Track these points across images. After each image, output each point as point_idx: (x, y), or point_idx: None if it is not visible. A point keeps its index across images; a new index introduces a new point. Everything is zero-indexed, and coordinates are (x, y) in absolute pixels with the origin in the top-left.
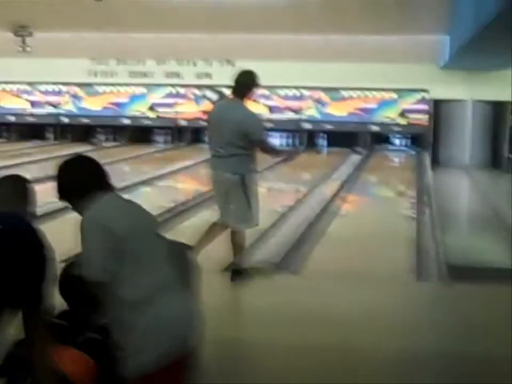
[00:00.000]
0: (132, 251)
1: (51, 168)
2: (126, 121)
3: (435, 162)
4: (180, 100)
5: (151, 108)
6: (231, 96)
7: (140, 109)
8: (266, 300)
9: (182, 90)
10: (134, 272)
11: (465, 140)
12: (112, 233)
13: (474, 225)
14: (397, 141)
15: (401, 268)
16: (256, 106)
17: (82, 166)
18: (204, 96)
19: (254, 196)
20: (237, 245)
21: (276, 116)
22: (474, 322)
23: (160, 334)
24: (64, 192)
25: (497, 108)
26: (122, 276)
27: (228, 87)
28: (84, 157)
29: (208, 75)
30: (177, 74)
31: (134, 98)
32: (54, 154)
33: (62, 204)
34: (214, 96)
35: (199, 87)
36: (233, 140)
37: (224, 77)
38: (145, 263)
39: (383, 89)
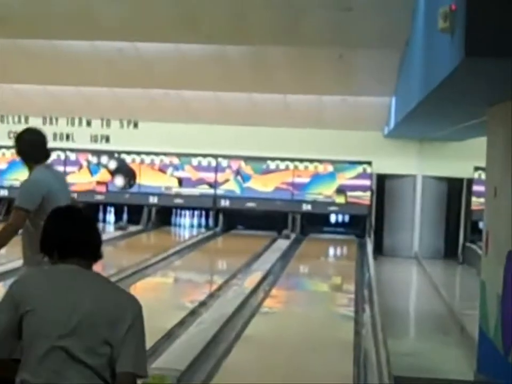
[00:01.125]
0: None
1: None
2: (2, 192)
3: (378, 249)
4: (70, 168)
5: None
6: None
7: (19, 178)
8: None
9: (72, 156)
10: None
11: (414, 223)
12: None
13: (424, 327)
14: (332, 223)
15: (335, 380)
16: (163, 178)
17: None
18: (100, 164)
19: None
20: None
21: (186, 190)
22: None
23: None
24: None
25: (452, 185)
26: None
27: (129, 153)
28: None
29: (105, 138)
30: (67, 136)
31: (13, 164)
32: None
33: None
34: (113, 164)
35: (93, 152)
36: None
37: (125, 140)
38: None
39: (318, 160)
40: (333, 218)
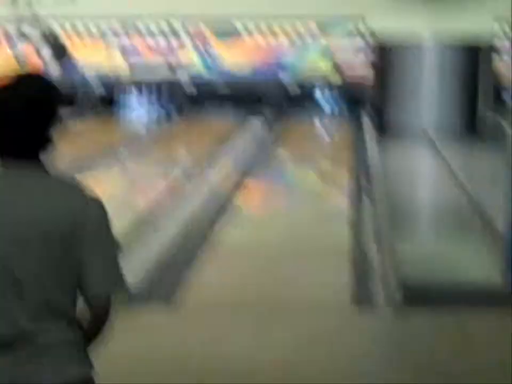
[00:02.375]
0: None
1: None
2: None
3: (381, 130)
4: None
5: None
6: None
7: None
8: (127, 343)
9: None
10: None
11: (424, 95)
12: None
13: (440, 224)
14: (320, 99)
15: (331, 292)
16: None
17: None
18: (23, 35)
19: None
20: None
21: (134, 62)
22: (445, 370)
23: None
24: None
25: (469, 46)
26: None
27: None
28: None
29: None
30: None
31: None
32: None
33: None
34: (34, 34)
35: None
36: None
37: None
38: None
39: (299, 17)
40: (321, 92)
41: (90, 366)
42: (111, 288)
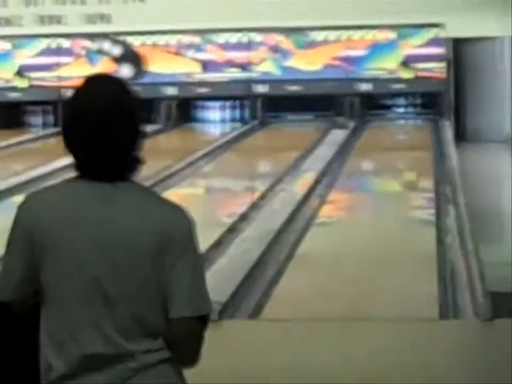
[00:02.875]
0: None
1: None
2: None
3: (461, 134)
4: (63, 59)
5: (19, 73)
6: None
7: (0, 75)
8: (212, 360)
9: (66, 43)
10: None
11: (505, 97)
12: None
13: None
14: (400, 105)
15: (417, 300)
16: (182, 62)
17: None
18: (101, 51)
19: None
20: None
21: (211, 76)
22: None
23: None
24: None
25: None
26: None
27: (136, 34)
28: None
29: (105, 17)
30: (57, 19)
31: None
32: None
33: None
34: (117, 50)
35: (92, 36)
36: None
37: (131, 18)
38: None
39: (375, 26)
40: (400, 98)
41: None
42: (192, 312)
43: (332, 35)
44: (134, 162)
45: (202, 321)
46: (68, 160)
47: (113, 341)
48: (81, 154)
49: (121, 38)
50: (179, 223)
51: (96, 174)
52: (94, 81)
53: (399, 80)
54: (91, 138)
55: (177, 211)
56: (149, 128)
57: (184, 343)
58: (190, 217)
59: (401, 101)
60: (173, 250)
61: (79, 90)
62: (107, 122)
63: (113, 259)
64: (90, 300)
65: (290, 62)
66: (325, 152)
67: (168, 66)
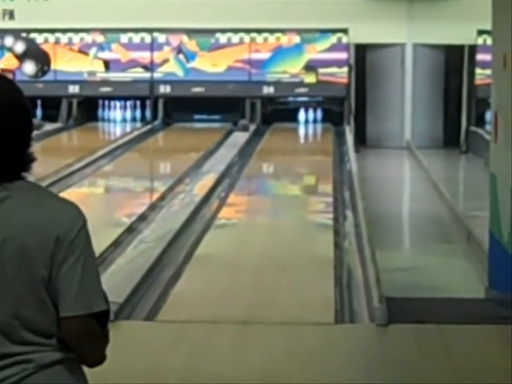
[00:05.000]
0: None
1: None
2: None
3: (360, 139)
4: None
5: None
6: None
7: None
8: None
9: None
10: None
11: (404, 104)
12: None
13: (422, 235)
14: (301, 109)
15: (312, 304)
16: (85, 61)
17: None
18: (3, 47)
19: None
20: None
21: (115, 75)
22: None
23: None
24: None
25: (451, 54)
26: None
27: (40, 31)
28: None
29: (8, 13)
30: None
31: None
32: None
33: None
34: (20, 46)
35: None
36: None
37: (34, 15)
38: None
39: (280, 30)
40: (301, 100)
41: None
42: (81, 310)
43: (235, 37)
44: (25, 160)
45: (99, 319)
46: None
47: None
48: None
49: (24, 34)
50: (68, 220)
51: None
52: None
53: (301, 84)
54: None
55: (68, 209)
56: (51, 126)
57: (77, 342)
58: (82, 215)
59: (303, 105)
60: (62, 248)
61: None
62: None
63: None
64: None
65: (194, 63)
66: (225, 154)
67: (71, 65)
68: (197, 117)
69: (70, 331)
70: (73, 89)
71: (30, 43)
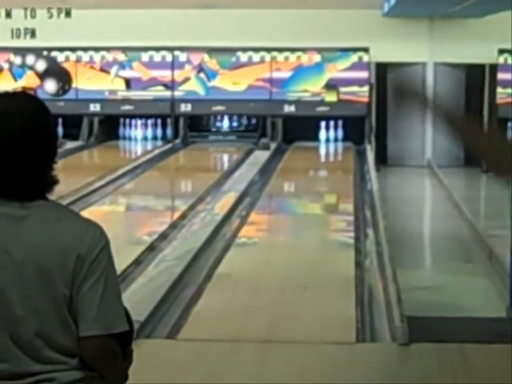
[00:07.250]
0: None
1: None
2: None
3: (381, 158)
4: None
5: None
6: None
7: None
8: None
9: None
10: None
11: (426, 123)
12: None
13: (443, 254)
14: (322, 128)
15: (333, 323)
16: (106, 79)
17: None
18: (25, 65)
19: None
20: None
21: (136, 94)
22: None
23: None
24: None
25: (472, 73)
26: None
27: (61, 49)
28: None
29: (30, 32)
30: None
31: None
32: None
33: None
34: (41, 65)
35: (16, 51)
36: None
37: (56, 33)
38: None
39: (301, 49)
40: (322, 121)
41: None
42: (100, 331)
43: (256, 56)
44: (47, 182)
45: (121, 339)
46: None
47: (19, 359)
48: None
49: (46, 52)
50: (90, 240)
51: (4, 193)
52: (6, 99)
53: (322, 103)
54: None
55: (89, 228)
56: (72, 144)
57: (96, 362)
58: (104, 235)
59: (324, 124)
60: (82, 268)
61: None
62: (17, 143)
63: (20, 278)
64: None
65: (215, 82)
66: (246, 173)
67: (92, 83)
68: (215, 136)
69: (89, 351)
70: (94, 107)
71: (51, 61)
